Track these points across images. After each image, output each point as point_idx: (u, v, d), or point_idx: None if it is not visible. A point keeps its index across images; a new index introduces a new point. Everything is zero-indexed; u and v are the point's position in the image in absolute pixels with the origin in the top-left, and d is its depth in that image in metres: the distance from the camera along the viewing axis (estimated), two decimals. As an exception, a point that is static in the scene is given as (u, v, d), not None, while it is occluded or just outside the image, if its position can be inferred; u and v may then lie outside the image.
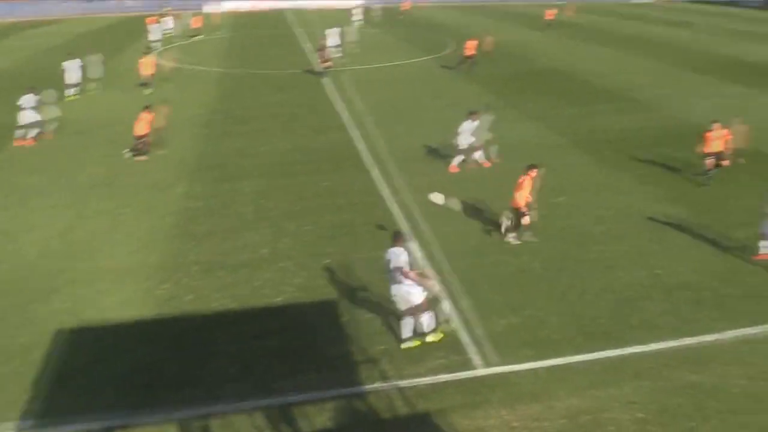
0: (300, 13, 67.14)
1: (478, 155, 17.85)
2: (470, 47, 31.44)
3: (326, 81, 30.70)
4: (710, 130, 16.43)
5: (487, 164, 17.96)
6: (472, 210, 14.95)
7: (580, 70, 33.57)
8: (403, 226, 14.11)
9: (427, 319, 9.86)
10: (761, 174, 17.21)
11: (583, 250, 13.07)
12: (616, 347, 9.86)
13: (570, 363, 9.50)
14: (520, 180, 13.00)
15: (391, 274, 9.71)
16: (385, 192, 16.21)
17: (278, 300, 11.34)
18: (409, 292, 9.65)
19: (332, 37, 36.06)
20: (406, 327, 9.82)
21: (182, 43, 44.96)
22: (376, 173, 17.61)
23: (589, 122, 23.04)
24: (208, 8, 72.13)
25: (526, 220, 12.95)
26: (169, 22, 43.98)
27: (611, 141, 20.63)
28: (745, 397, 8.75)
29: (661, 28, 53.71)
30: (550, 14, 52.09)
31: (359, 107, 25.18)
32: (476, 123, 17.41)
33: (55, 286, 11.83)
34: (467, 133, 17.40)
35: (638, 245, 13.28)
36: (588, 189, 16.41)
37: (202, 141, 20.94)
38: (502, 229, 13.43)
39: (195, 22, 48.33)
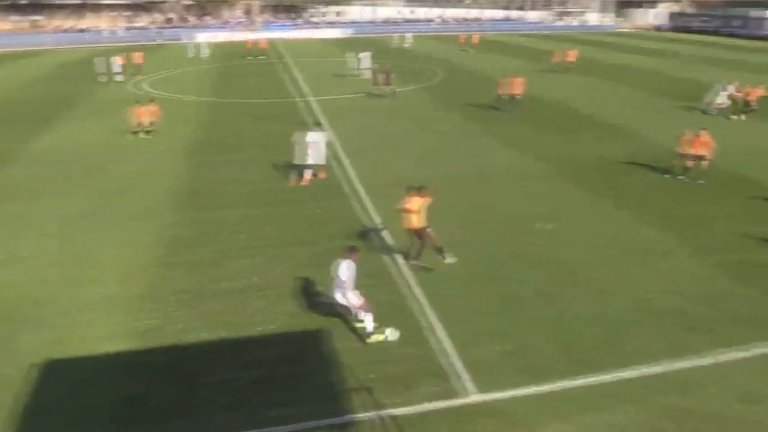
0: (286, 44, 67.75)
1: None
2: (517, 85, 29.79)
3: (316, 109, 30.96)
4: (698, 135, 19.01)
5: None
6: (461, 238, 15.01)
7: (562, 98, 34.11)
8: (395, 252, 14.13)
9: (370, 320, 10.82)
10: (747, 197, 17.55)
11: (574, 277, 13.12)
12: (607, 373, 9.85)
13: (563, 389, 9.46)
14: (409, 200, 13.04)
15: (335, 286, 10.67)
16: (377, 219, 16.23)
17: (270, 328, 11.25)
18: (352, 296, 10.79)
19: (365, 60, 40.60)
20: (369, 321, 10.74)
21: (157, 76, 45.28)
22: (367, 200, 17.64)
23: (571, 149, 23.30)
24: (187, 39, 72.65)
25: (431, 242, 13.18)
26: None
27: (595, 168, 20.85)
28: (741, 421, 8.74)
29: (636, 56, 54.71)
30: (571, 56, 46.07)
31: (350, 136, 25.32)
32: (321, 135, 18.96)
33: (43, 317, 11.70)
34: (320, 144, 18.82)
35: (628, 271, 13.35)
36: (575, 215, 16.52)
37: (188, 170, 20.91)
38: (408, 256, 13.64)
39: (256, 43, 57.56)
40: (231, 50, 61.50)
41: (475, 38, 62.75)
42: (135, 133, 25.53)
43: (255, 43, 58.49)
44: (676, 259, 13.93)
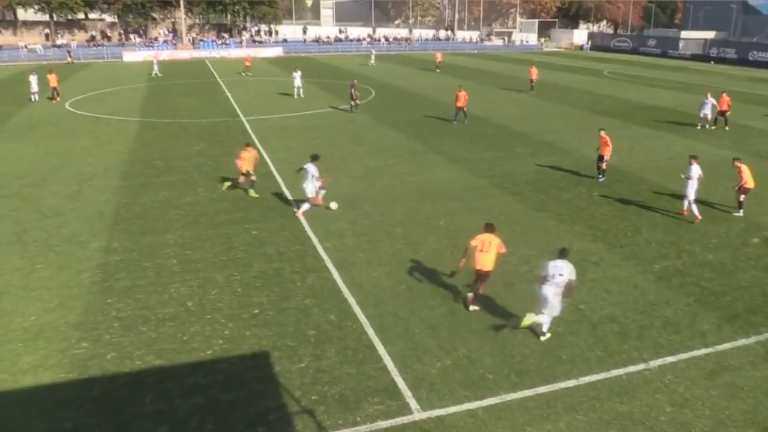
0: (221, 63, 66.91)
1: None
2: (461, 98, 31.46)
3: (251, 128, 30.61)
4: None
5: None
6: (401, 254, 15.08)
7: (497, 116, 35.01)
8: (334, 273, 14.02)
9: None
10: (668, 208, 18.43)
11: (511, 289, 13.35)
12: (548, 383, 10.05)
13: (505, 401, 9.59)
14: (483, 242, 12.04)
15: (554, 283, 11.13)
16: (314, 239, 16.10)
17: (207, 354, 10.93)
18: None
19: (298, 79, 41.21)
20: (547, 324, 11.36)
21: (94, 93, 43.81)
22: (304, 220, 17.47)
23: (507, 165, 23.90)
24: (128, 57, 71.13)
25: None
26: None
27: (530, 182, 21.43)
28: (673, 424, 9.07)
29: (569, 74, 56.82)
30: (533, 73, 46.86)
31: (284, 154, 25.10)
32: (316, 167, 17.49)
33: (-37, 351, 10.98)
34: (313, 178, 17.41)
35: (562, 282, 13.67)
36: (512, 229, 16.86)
37: (120, 193, 20.22)
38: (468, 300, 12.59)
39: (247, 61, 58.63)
40: (176, 69, 60.16)
41: (439, 57, 63.87)
42: (234, 185, 20.19)
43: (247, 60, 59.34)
44: (607, 269, 14.41)
